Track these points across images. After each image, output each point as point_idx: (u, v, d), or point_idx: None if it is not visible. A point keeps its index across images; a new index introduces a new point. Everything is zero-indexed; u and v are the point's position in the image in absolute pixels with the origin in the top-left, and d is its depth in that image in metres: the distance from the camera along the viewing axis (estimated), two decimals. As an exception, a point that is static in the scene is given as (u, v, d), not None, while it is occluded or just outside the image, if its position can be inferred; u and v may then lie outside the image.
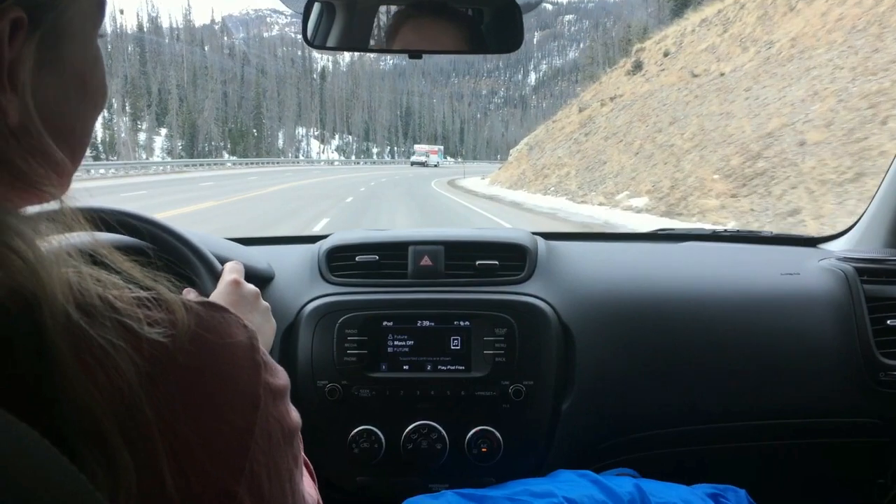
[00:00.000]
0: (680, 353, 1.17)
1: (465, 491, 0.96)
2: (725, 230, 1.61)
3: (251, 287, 0.83)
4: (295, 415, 0.49)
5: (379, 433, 1.08)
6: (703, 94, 15.86)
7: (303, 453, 0.64)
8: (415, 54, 0.93)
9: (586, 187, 16.13)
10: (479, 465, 1.08)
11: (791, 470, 1.31)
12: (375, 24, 1.02)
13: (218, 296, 0.79)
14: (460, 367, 1.10)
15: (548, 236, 1.36)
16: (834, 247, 1.45)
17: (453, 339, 1.10)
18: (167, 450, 0.35)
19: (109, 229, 0.85)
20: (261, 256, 1.17)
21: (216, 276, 0.89)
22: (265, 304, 0.85)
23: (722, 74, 16.22)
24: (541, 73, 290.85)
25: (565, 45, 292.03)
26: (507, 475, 1.04)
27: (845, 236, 1.45)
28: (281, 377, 0.47)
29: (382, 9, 0.99)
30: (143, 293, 0.39)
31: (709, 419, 1.19)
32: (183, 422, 0.37)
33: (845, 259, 1.28)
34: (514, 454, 1.09)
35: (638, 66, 25.96)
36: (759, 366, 1.17)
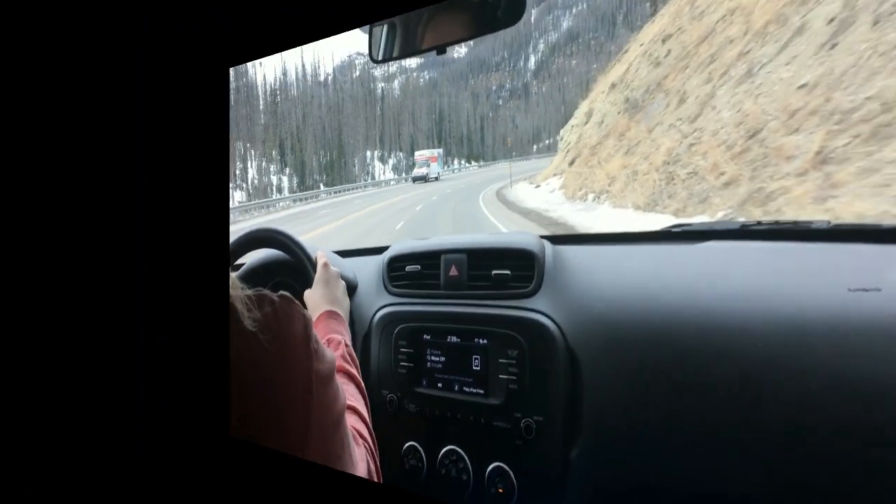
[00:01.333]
0: (701, 396, 0.83)
1: None
2: (759, 222, 1.11)
3: (334, 269, 1.13)
4: (342, 397, 0.55)
5: (422, 452, 1.06)
6: None
7: (361, 423, 0.76)
8: (441, 49, 0.94)
9: None
10: None
11: None
12: (412, 29, 0.97)
13: (318, 277, 1.10)
14: (480, 391, 1.02)
15: (555, 240, 1.18)
16: None
17: (475, 359, 1.04)
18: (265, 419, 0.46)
19: (258, 243, 1.18)
20: (350, 267, 1.26)
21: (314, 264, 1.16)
22: (342, 281, 1.14)
23: None
24: (539, 55, 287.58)
25: (559, 17, 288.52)
26: None
27: None
28: (327, 362, 0.53)
29: (420, 15, 0.94)
30: (250, 291, 0.51)
31: (757, 490, 0.80)
32: (268, 400, 0.44)
33: None
34: (529, 501, 0.96)
35: None
36: (825, 426, 0.75)
